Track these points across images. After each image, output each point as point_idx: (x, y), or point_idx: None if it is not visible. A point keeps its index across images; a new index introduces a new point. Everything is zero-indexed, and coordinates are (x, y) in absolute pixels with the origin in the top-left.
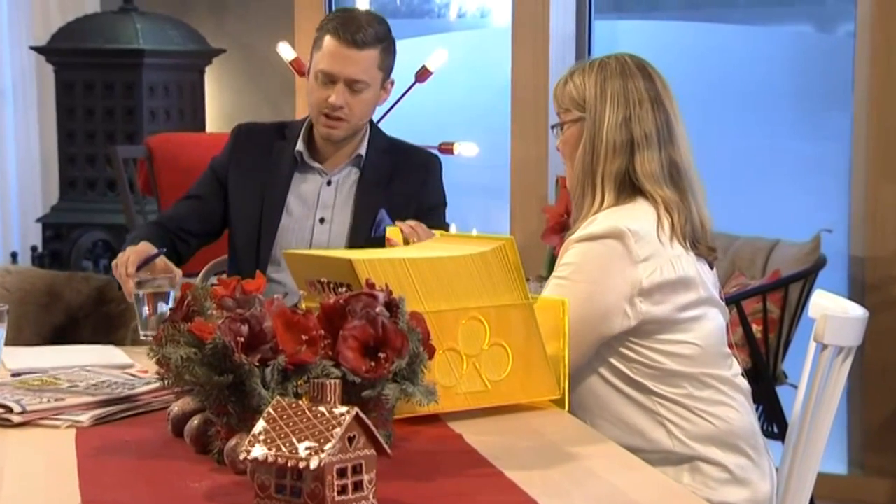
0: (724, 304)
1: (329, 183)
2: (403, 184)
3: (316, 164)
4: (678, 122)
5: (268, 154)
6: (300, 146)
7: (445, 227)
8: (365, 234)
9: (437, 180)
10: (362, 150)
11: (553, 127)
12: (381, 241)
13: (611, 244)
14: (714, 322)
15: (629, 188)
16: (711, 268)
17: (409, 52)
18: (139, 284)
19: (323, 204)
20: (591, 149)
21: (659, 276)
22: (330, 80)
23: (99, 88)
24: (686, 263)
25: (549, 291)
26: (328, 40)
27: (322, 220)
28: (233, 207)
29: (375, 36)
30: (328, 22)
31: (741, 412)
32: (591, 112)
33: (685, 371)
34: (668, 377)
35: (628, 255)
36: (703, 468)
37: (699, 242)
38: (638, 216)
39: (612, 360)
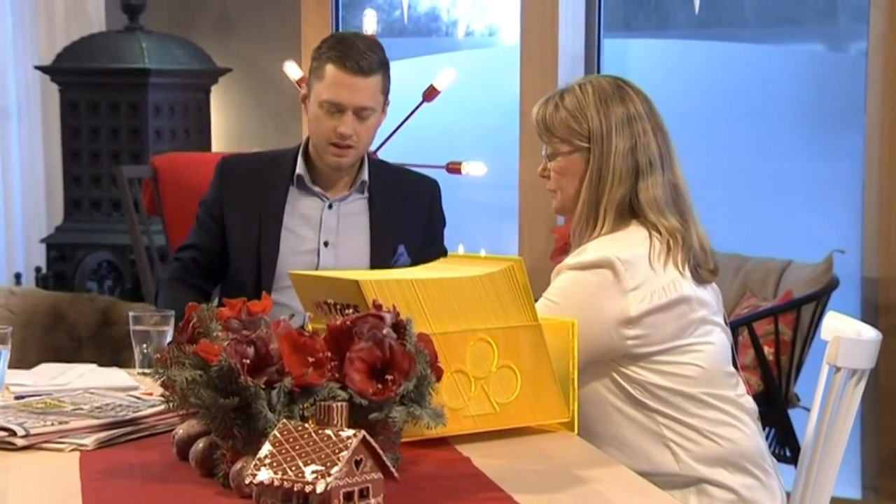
0: (725, 324)
1: (330, 207)
2: (412, 211)
3: (316, 188)
4: (671, 142)
5: (259, 182)
6: (300, 169)
7: (445, 250)
8: (383, 264)
9: (440, 206)
10: (365, 176)
11: (550, 156)
12: None
13: (601, 273)
14: (716, 343)
15: (627, 213)
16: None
17: (417, 71)
18: (136, 320)
19: (326, 227)
20: (597, 179)
21: (648, 303)
22: (337, 109)
23: (104, 108)
24: (681, 286)
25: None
26: (332, 69)
27: (326, 244)
28: (231, 240)
29: (378, 61)
30: (328, 50)
31: (747, 432)
32: (598, 143)
33: (689, 392)
34: (672, 397)
35: (618, 284)
36: (709, 490)
37: (700, 267)
38: (629, 245)
39: (617, 383)
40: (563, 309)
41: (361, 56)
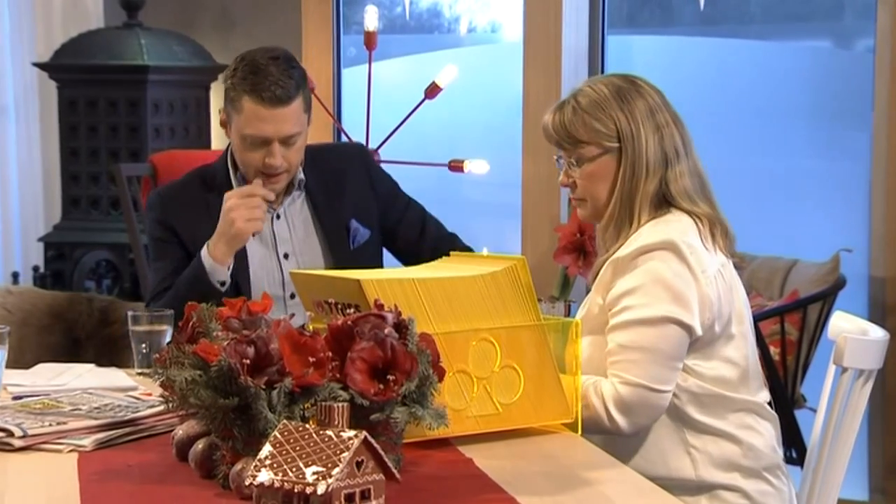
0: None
1: (278, 217)
2: (351, 183)
3: None
4: (688, 131)
5: (202, 209)
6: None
7: (418, 207)
8: (345, 250)
9: (376, 166)
10: (301, 175)
11: (576, 163)
12: (362, 252)
13: (668, 256)
14: (750, 343)
15: (663, 203)
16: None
17: (419, 68)
18: (135, 320)
19: (280, 239)
20: (631, 175)
21: (714, 290)
22: (262, 142)
23: (102, 105)
24: (729, 273)
25: (625, 318)
26: (249, 103)
27: (286, 256)
28: None
29: (295, 84)
30: (241, 82)
31: (767, 438)
32: (629, 140)
33: (725, 394)
34: (711, 399)
35: (688, 267)
36: (722, 495)
37: (733, 253)
38: (682, 228)
39: None
40: (652, 305)
41: (277, 84)
